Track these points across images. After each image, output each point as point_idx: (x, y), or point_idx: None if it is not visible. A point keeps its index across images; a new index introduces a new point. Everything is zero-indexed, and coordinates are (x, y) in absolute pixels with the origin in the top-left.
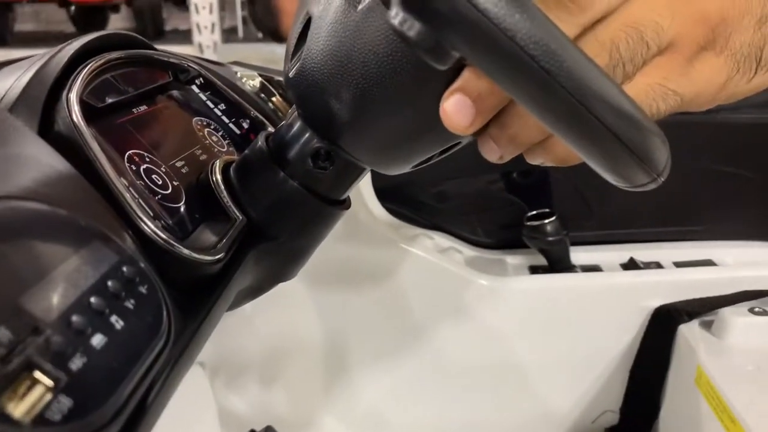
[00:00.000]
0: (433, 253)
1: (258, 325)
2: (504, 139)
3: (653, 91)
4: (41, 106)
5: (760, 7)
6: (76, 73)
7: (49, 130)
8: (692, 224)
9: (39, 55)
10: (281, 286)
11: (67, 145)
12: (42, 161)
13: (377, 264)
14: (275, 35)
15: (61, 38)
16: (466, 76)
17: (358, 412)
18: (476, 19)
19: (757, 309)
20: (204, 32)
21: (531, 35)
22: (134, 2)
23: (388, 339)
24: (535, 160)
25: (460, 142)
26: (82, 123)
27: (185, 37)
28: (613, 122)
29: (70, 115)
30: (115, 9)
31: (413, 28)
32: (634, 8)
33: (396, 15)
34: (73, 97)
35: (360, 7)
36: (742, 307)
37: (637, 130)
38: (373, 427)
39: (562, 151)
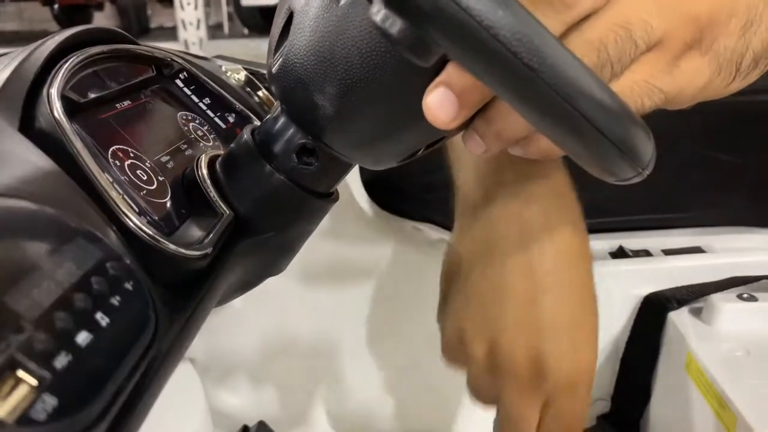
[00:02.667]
0: (422, 246)
1: (249, 323)
2: (489, 134)
3: (638, 87)
4: (21, 102)
5: (746, 12)
6: (57, 68)
7: (30, 126)
8: (680, 211)
9: (19, 50)
10: (272, 284)
11: (49, 142)
12: (23, 158)
13: (366, 258)
14: None
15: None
16: (450, 71)
17: (349, 407)
18: (458, 16)
19: (745, 295)
20: (189, 29)
21: (514, 32)
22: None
23: (379, 334)
24: (517, 153)
25: (445, 137)
26: (64, 119)
27: (171, 34)
28: (598, 119)
29: (52, 110)
30: (99, 7)
31: (395, 25)
32: (622, 6)
33: (378, 12)
34: (54, 92)
35: (342, 2)
36: (731, 293)
37: (623, 126)
38: (364, 423)
39: (545, 145)
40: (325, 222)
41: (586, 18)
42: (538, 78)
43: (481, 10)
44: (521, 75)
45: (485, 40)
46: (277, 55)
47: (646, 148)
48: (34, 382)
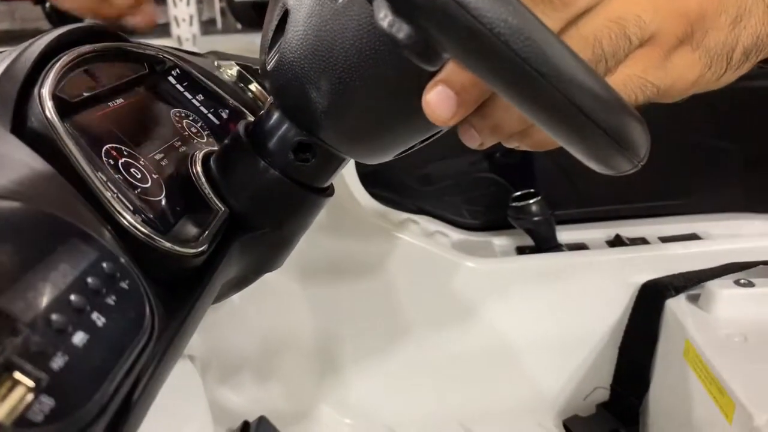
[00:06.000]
0: (419, 238)
1: (249, 320)
2: (485, 129)
3: (632, 82)
4: (13, 103)
5: (736, 7)
6: (48, 67)
7: (22, 127)
8: (676, 199)
9: (9, 50)
10: (270, 280)
11: (41, 142)
12: (16, 159)
13: (365, 252)
14: None
15: None
16: (450, 68)
17: (351, 400)
18: (469, 23)
19: (742, 281)
20: (182, 25)
21: (524, 38)
22: None
23: (379, 327)
24: (511, 145)
25: (441, 131)
26: (55, 119)
27: (163, 30)
28: (600, 118)
29: (43, 110)
30: None
31: (402, 30)
32: (616, 3)
33: (385, 17)
34: (45, 92)
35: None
36: (728, 279)
37: (623, 123)
38: (366, 415)
39: (540, 138)
40: (323, 216)
41: (581, 15)
42: (546, 81)
43: (491, 18)
44: (529, 78)
45: (496, 48)
46: (272, 52)
47: (643, 141)
48: (30, 383)
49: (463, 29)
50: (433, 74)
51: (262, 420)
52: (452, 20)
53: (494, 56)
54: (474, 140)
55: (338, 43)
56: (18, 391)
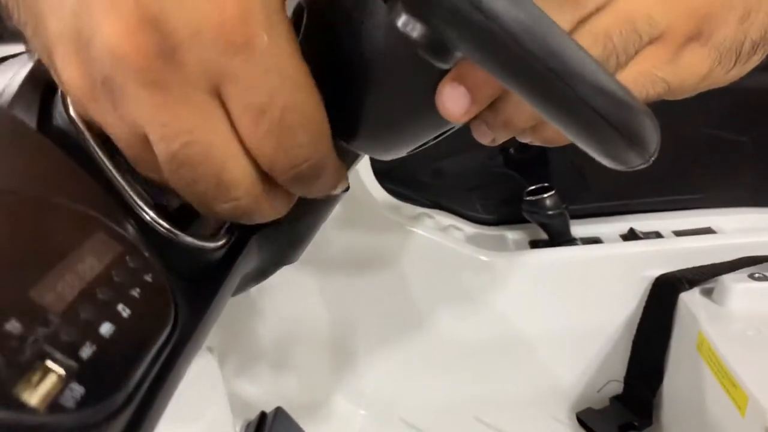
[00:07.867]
0: (434, 232)
1: (265, 312)
2: (497, 124)
3: (643, 78)
4: (38, 101)
5: (743, 3)
6: None
7: (48, 124)
8: (691, 193)
9: None
10: (287, 273)
11: (66, 139)
12: (43, 155)
13: (379, 245)
14: None
15: None
16: (463, 66)
17: (365, 391)
18: (481, 22)
19: (756, 275)
20: None
21: (535, 37)
22: None
23: (393, 319)
24: (524, 140)
25: (454, 127)
26: (77, 117)
27: None
28: (612, 115)
29: (66, 109)
30: None
31: (416, 29)
32: (626, 1)
33: (399, 16)
34: None
35: None
36: (742, 273)
37: (631, 117)
38: (381, 406)
39: (552, 133)
40: (338, 211)
41: (592, 14)
42: (557, 78)
43: (504, 17)
44: (540, 76)
45: (507, 45)
46: None
47: (653, 136)
48: (61, 371)
49: (476, 28)
50: (446, 72)
51: (278, 411)
52: (466, 20)
53: (506, 54)
54: (486, 136)
55: (353, 43)
56: (50, 379)
